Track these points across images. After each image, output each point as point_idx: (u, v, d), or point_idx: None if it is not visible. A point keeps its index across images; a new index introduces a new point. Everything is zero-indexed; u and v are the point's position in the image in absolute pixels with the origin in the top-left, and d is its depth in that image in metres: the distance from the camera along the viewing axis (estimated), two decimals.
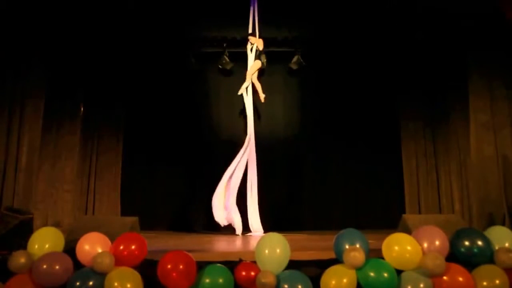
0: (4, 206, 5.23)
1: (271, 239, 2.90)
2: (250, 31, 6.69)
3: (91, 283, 2.68)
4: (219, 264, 2.87)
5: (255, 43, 6.73)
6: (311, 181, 7.58)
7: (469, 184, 6.29)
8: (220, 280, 2.75)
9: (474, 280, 2.75)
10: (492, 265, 2.86)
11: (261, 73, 6.90)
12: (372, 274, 2.73)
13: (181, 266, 2.68)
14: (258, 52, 6.72)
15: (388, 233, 3.03)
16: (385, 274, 2.73)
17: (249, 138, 6.54)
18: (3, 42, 5.66)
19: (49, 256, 2.83)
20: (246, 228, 6.43)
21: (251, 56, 6.76)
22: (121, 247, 2.85)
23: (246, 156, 6.45)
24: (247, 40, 6.77)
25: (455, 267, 2.79)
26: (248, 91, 6.73)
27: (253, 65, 6.71)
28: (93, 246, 2.88)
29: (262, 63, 6.71)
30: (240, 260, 2.95)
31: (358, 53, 7.36)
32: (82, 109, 6.95)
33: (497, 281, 2.74)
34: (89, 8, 6.20)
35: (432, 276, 2.71)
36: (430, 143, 7.25)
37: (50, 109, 6.32)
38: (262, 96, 6.79)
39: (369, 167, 7.48)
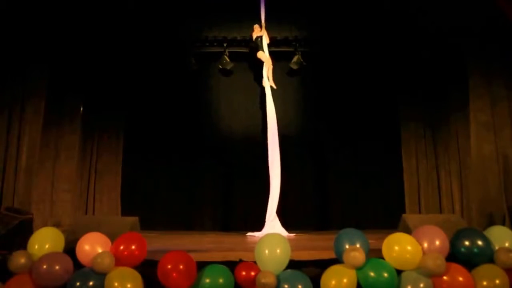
0: (4, 206, 5.23)
1: (271, 239, 2.90)
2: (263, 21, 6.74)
3: (91, 283, 2.68)
4: (219, 264, 2.87)
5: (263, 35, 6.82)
6: (311, 181, 7.58)
7: (469, 184, 6.28)
8: (220, 280, 2.75)
9: (474, 280, 2.75)
10: (492, 264, 2.86)
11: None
12: (372, 274, 2.73)
13: (181, 266, 2.68)
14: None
15: (388, 233, 3.02)
16: (385, 274, 2.73)
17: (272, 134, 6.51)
18: (4, 42, 5.66)
19: (49, 256, 2.83)
20: (250, 227, 6.43)
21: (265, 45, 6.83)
22: (121, 247, 2.85)
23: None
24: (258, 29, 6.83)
25: (455, 267, 2.79)
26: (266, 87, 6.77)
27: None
28: (93, 246, 2.88)
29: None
30: (240, 260, 2.95)
31: (359, 53, 7.35)
32: (82, 108, 6.94)
33: (497, 281, 2.74)
34: (89, 7, 6.19)
35: (432, 276, 2.72)
36: (430, 143, 7.25)
37: (50, 109, 6.32)
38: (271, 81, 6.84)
39: (369, 167, 7.47)
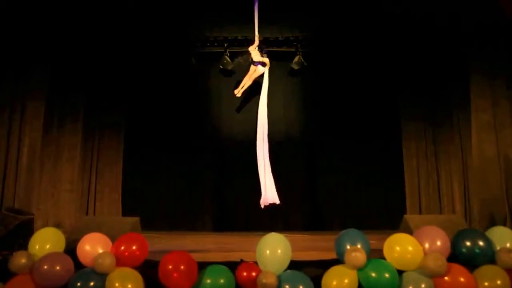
0: (5, 206, 5.24)
1: (272, 240, 2.90)
2: (256, 32, 6.64)
3: (92, 283, 2.68)
4: (220, 265, 2.87)
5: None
6: (312, 181, 7.57)
7: (470, 184, 6.27)
8: (221, 281, 2.74)
9: (476, 280, 2.74)
10: (494, 265, 2.85)
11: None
12: (373, 274, 2.73)
13: (182, 267, 2.68)
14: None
15: (389, 234, 3.02)
16: (386, 275, 2.73)
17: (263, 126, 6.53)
18: (5, 43, 5.67)
19: (50, 257, 2.83)
20: (251, 227, 6.42)
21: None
22: (122, 248, 2.84)
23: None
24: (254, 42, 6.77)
25: (457, 267, 2.78)
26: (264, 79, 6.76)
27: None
28: (94, 246, 2.88)
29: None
30: (241, 261, 2.95)
31: (360, 53, 7.35)
32: (83, 109, 6.93)
33: (499, 282, 2.74)
34: (90, 8, 6.20)
35: (434, 276, 2.71)
36: (431, 143, 7.23)
37: (51, 109, 6.33)
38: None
39: (370, 167, 7.47)
